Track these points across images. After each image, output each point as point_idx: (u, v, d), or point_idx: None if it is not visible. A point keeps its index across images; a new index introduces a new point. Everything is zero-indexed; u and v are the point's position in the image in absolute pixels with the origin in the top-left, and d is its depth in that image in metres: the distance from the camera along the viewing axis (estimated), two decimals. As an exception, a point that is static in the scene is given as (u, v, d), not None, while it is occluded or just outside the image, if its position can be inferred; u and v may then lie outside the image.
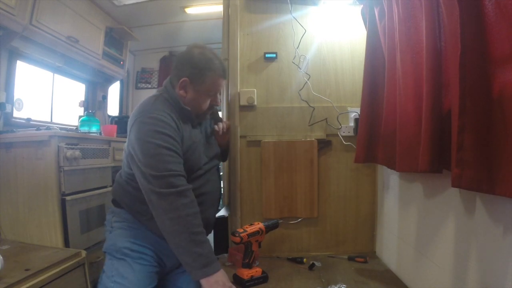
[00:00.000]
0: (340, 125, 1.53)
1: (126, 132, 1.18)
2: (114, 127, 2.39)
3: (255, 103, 1.54)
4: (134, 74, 3.80)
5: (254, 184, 1.55)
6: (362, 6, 1.43)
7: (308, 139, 1.53)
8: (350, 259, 1.44)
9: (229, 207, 1.57)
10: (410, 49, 1.00)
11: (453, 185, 0.73)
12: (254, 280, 1.20)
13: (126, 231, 1.20)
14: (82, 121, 2.30)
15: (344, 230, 1.55)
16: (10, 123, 2.00)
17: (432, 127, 0.87)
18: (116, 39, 2.93)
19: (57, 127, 2.01)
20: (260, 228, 1.24)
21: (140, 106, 1.15)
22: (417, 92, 0.96)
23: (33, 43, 2.04)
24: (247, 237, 1.20)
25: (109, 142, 2.12)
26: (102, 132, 2.33)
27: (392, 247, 1.35)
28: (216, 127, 1.34)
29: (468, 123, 0.70)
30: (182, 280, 1.34)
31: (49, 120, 2.51)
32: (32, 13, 1.87)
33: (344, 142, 1.52)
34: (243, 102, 1.53)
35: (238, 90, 1.54)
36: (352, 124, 1.52)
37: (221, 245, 1.58)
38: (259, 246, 1.26)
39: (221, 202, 1.55)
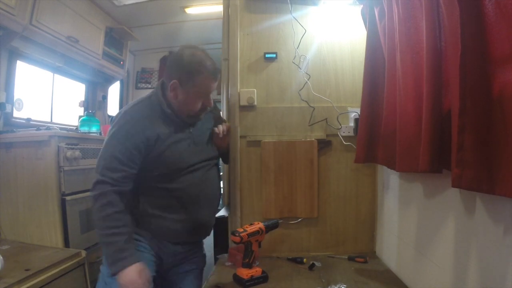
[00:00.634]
0: (340, 125, 1.53)
1: None
2: (114, 127, 2.39)
3: (255, 103, 1.54)
4: (134, 74, 3.80)
5: (254, 184, 1.55)
6: (362, 6, 1.43)
7: (308, 139, 1.53)
8: (350, 259, 1.44)
9: (229, 207, 1.57)
10: (410, 49, 1.00)
11: (453, 185, 0.73)
12: (254, 280, 1.20)
13: None
14: (82, 121, 2.30)
15: (344, 230, 1.55)
16: (10, 123, 2.00)
17: (432, 127, 0.87)
18: (116, 39, 2.93)
19: (57, 127, 2.01)
20: (260, 228, 1.24)
21: (122, 109, 1.22)
22: (417, 92, 0.96)
23: (33, 43, 2.04)
24: (247, 236, 1.20)
25: (109, 142, 2.12)
26: (102, 132, 2.33)
27: (392, 247, 1.35)
28: (216, 129, 1.33)
29: (468, 123, 0.70)
30: (182, 281, 1.35)
31: (49, 120, 2.51)
32: (32, 13, 1.87)
33: (344, 142, 1.52)
34: (243, 102, 1.53)
35: (238, 90, 1.54)
36: (352, 124, 1.52)
37: (221, 245, 1.58)
38: (259, 246, 1.26)
39: (221, 202, 1.56)
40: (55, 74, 2.54)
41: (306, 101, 1.54)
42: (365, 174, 1.55)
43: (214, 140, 1.35)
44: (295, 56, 1.54)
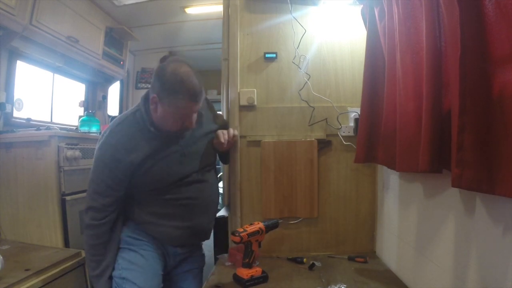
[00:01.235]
0: (340, 125, 1.53)
1: None
2: (114, 127, 2.39)
3: (255, 103, 1.54)
4: (134, 74, 3.80)
5: (254, 184, 1.55)
6: (362, 6, 1.43)
7: (308, 139, 1.53)
8: (350, 259, 1.44)
9: (229, 207, 1.57)
10: (410, 49, 1.00)
11: (453, 185, 0.73)
12: (254, 280, 1.20)
13: (125, 227, 1.27)
14: (82, 121, 2.30)
15: (344, 230, 1.55)
16: (10, 123, 2.00)
17: (432, 127, 0.87)
18: (116, 39, 2.93)
19: (57, 127, 2.01)
20: (260, 228, 1.24)
21: (109, 126, 1.22)
22: (417, 92, 0.96)
23: (33, 43, 2.04)
24: (247, 236, 1.20)
25: (109, 142, 2.12)
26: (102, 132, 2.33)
27: (392, 247, 1.35)
28: (220, 138, 1.29)
29: (468, 123, 0.70)
30: (182, 280, 1.35)
31: (49, 120, 2.51)
32: (32, 13, 1.87)
33: (344, 142, 1.52)
34: (243, 102, 1.53)
35: (238, 90, 1.54)
36: (352, 124, 1.52)
37: (221, 245, 1.58)
38: (259, 246, 1.26)
39: (221, 202, 1.56)
40: (55, 74, 2.55)
41: (306, 101, 1.54)
42: (365, 174, 1.55)
43: (215, 145, 1.32)
44: (295, 56, 1.54)
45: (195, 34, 3.23)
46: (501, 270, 0.72)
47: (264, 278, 1.23)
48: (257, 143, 1.54)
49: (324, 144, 1.54)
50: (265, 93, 1.56)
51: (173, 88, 1.09)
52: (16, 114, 2.09)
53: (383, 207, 1.46)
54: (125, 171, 1.16)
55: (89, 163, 1.86)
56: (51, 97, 2.55)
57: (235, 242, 1.22)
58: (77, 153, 1.75)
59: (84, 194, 1.78)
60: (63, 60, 2.38)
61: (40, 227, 1.66)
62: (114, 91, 3.49)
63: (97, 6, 2.57)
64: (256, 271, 1.22)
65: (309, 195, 1.53)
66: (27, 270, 1.25)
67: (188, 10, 2.82)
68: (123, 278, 1.14)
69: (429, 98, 0.88)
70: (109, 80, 3.10)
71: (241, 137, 1.54)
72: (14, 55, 2.04)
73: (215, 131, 1.36)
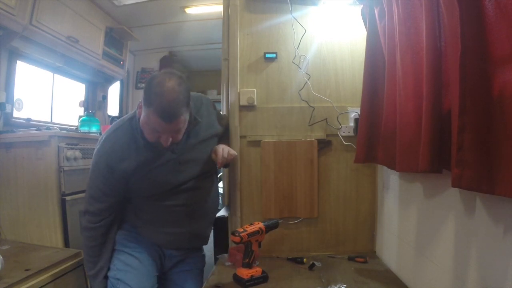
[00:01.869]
0: (340, 125, 1.53)
1: None
2: (114, 127, 2.39)
3: (255, 103, 1.54)
4: (134, 74, 3.80)
5: (254, 184, 1.55)
6: (362, 6, 1.43)
7: (308, 139, 1.53)
8: (350, 259, 1.44)
9: (229, 207, 1.57)
10: (410, 49, 1.00)
11: (453, 185, 0.73)
12: (254, 280, 1.20)
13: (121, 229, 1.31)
14: (82, 121, 2.30)
15: (344, 230, 1.55)
16: (10, 123, 2.00)
17: (432, 127, 0.87)
18: (116, 39, 2.93)
19: (57, 127, 2.01)
20: (260, 228, 1.24)
21: (107, 130, 1.23)
22: (417, 92, 0.96)
23: (33, 43, 2.04)
24: (247, 236, 1.20)
25: (109, 142, 2.12)
26: (102, 132, 2.33)
27: (392, 247, 1.35)
28: (217, 155, 1.24)
29: (468, 123, 0.70)
30: (182, 281, 1.35)
31: (49, 120, 2.51)
32: (32, 13, 1.87)
33: (344, 142, 1.52)
34: (243, 102, 1.53)
35: (238, 90, 1.54)
36: (352, 124, 1.52)
37: (221, 245, 1.58)
38: (259, 246, 1.26)
39: (221, 202, 1.56)
40: (55, 74, 2.55)
41: (306, 101, 1.54)
42: (365, 174, 1.55)
43: (212, 157, 1.28)
44: (295, 56, 1.54)
45: (195, 34, 3.23)
46: (501, 270, 0.72)
47: (264, 278, 1.23)
48: (257, 143, 1.54)
49: (324, 144, 1.54)
50: (265, 93, 1.56)
51: (150, 98, 1.04)
52: (16, 114, 2.09)
53: (383, 207, 1.46)
54: (119, 179, 1.17)
55: (89, 163, 1.85)
56: (51, 97, 2.55)
57: (235, 242, 1.22)
58: (77, 153, 1.75)
59: (84, 194, 1.79)
60: (63, 60, 2.38)
61: (40, 227, 1.66)
62: (114, 91, 3.50)
63: (97, 6, 2.57)
64: (256, 271, 1.22)
65: (309, 195, 1.53)
66: (27, 270, 1.25)
67: (188, 10, 2.82)
68: (118, 279, 1.17)
69: (429, 98, 0.88)
70: (109, 80, 3.10)
71: (241, 137, 1.54)
72: (14, 55, 2.04)
73: (219, 134, 1.36)
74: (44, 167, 1.66)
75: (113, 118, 2.96)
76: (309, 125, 1.54)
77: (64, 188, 1.68)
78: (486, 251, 0.78)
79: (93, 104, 3.00)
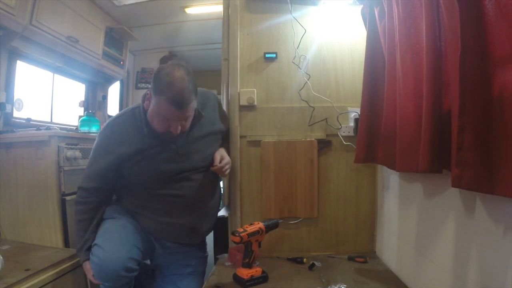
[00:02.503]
0: (340, 125, 1.53)
1: None
2: (114, 127, 2.38)
3: (255, 103, 1.54)
4: (134, 74, 3.80)
5: (254, 184, 1.55)
6: (362, 6, 1.43)
7: (308, 139, 1.53)
8: (350, 259, 1.44)
9: (229, 207, 1.57)
10: (410, 49, 1.00)
11: (453, 185, 0.73)
12: (254, 280, 1.20)
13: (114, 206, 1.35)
14: (82, 121, 2.29)
15: (344, 230, 1.55)
16: (10, 123, 1.99)
17: (432, 127, 0.87)
18: (116, 39, 2.93)
19: (57, 127, 2.00)
20: (260, 228, 1.24)
21: (110, 118, 1.30)
22: (417, 92, 0.96)
23: (33, 43, 2.04)
24: (247, 236, 1.20)
25: (109, 142, 2.12)
26: (102, 132, 2.33)
27: (392, 247, 1.35)
28: (215, 161, 1.30)
29: (468, 123, 0.70)
30: (182, 281, 1.35)
31: (49, 120, 2.51)
32: (32, 13, 1.87)
33: (344, 142, 1.52)
34: (243, 102, 1.53)
35: (238, 90, 1.54)
36: (352, 124, 1.52)
37: (221, 245, 1.58)
38: (259, 246, 1.26)
39: (221, 203, 1.55)
40: (55, 74, 2.54)
41: (306, 101, 1.54)
42: (365, 174, 1.55)
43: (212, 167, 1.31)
44: (295, 56, 1.54)
45: (195, 34, 3.22)
46: (501, 270, 0.72)
47: (264, 278, 1.23)
48: (257, 143, 1.54)
49: (324, 144, 1.54)
50: (265, 93, 1.56)
51: (161, 88, 1.11)
52: (16, 114, 2.09)
53: (383, 207, 1.46)
54: (115, 161, 1.21)
55: (89, 163, 1.87)
56: (51, 97, 2.55)
57: (235, 242, 1.22)
58: (77, 153, 1.75)
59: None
60: (63, 60, 2.38)
61: (40, 227, 1.65)
62: (114, 91, 3.49)
63: (97, 6, 2.56)
64: (256, 271, 1.22)
65: (309, 195, 1.53)
66: (27, 270, 1.25)
67: (188, 10, 2.81)
68: (96, 244, 1.19)
69: (429, 98, 0.88)
70: (109, 80, 3.10)
71: (241, 137, 1.54)
72: (14, 55, 2.04)
73: (222, 131, 1.40)
74: (44, 167, 1.65)
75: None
76: (309, 125, 1.54)
77: (64, 188, 1.67)
78: (486, 251, 0.78)
79: (93, 104, 2.99)
